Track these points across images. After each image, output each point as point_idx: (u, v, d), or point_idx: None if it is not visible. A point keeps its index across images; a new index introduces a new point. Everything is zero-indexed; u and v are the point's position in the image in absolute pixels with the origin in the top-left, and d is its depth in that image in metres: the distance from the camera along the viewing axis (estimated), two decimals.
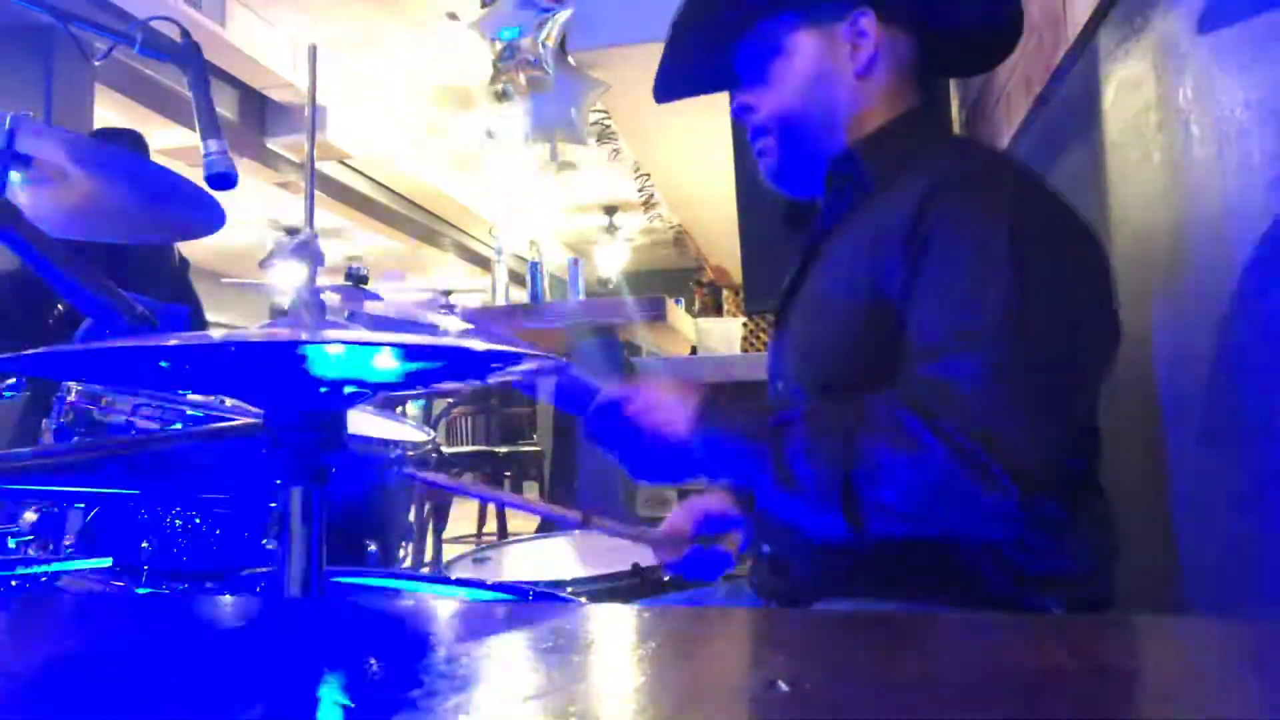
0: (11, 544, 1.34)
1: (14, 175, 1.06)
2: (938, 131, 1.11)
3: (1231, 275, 0.91)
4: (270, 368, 0.66)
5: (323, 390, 0.68)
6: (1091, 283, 0.89)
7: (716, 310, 6.13)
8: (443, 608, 0.64)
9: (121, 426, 1.39)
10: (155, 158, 2.05)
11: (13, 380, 1.62)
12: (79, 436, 1.39)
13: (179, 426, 1.37)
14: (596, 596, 1.35)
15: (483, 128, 5.29)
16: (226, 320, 8.41)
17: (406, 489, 1.61)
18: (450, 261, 9.35)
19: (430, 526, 3.61)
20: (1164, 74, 1.06)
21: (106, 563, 1.34)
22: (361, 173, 7.13)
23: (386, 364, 0.66)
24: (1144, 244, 1.15)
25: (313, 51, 0.89)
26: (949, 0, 1.03)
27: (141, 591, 1.35)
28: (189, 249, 2.90)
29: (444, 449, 3.88)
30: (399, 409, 2.37)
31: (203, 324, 2.80)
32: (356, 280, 2.17)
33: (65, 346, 0.60)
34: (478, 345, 0.62)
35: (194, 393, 1.40)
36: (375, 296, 2.24)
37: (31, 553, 1.34)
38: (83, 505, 1.34)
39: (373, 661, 0.45)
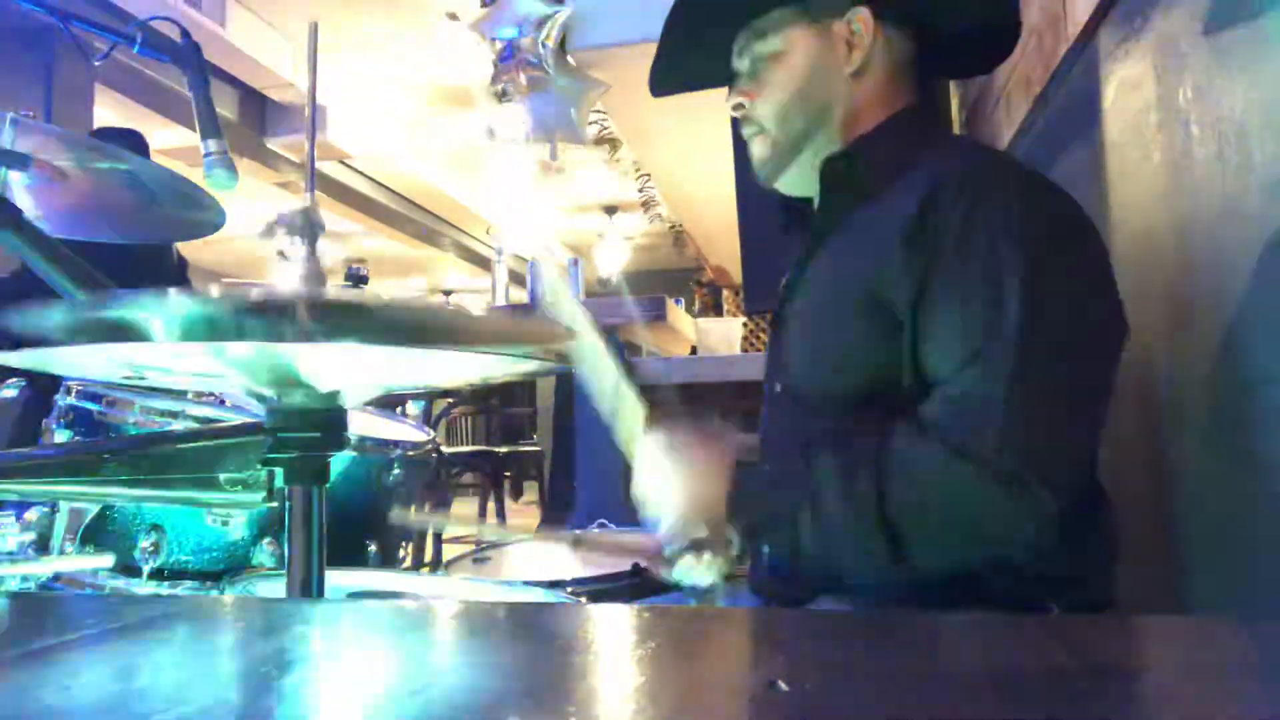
0: (12, 544, 1.34)
1: (14, 175, 1.06)
2: (935, 131, 1.10)
3: (1231, 275, 0.91)
4: (270, 368, 0.66)
5: (323, 390, 0.68)
6: (1099, 276, 0.89)
7: (716, 310, 6.13)
8: (443, 608, 0.64)
9: (121, 426, 1.39)
10: (155, 158, 2.05)
11: (13, 380, 1.62)
12: (79, 436, 1.39)
13: (179, 426, 1.37)
14: (596, 596, 1.35)
15: (483, 128, 5.28)
16: None
17: (406, 489, 1.60)
18: (450, 261, 9.35)
19: (430, 526, 3.61)
20: (1164, 74, 1.06)
21: (107, 562, 1.35)
22: (361, 173, 7.13)
23: (387, 363, 0.66)
24: (1144, 244, 1.15)
25: (313, 29, 0.88)
26: (946, 0, 1.03)
27: (142, 591, 1.35)
28: (189, 249, 2.89)
29: (444, 449, 3.88)
30: (399, 409, 2.37)
31: None
32: (356, 280, 2.17)
33: (66, 346, 0.60)
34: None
35: (193, 391, 1.40)
36: None
37: (31, 553, 1.34)
38: (83, 505, 1.34)
39: (373, 661, 0.45)
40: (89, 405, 1.41)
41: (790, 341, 1.05)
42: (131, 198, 1.25)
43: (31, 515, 1.35)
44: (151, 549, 1.35)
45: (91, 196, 1.20)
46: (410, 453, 1.62)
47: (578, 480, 2.92)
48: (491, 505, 4.40)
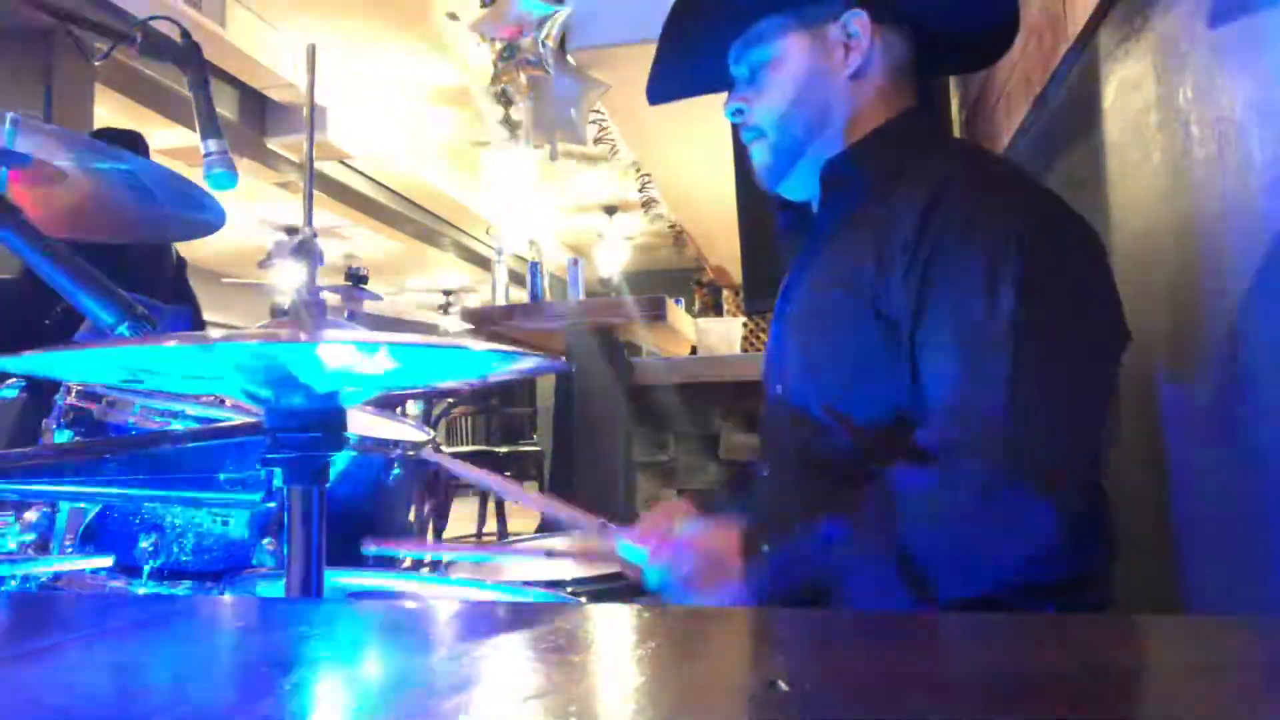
0: (12, 544, 1.34)
1: (14, 175, 1.06)
2: (935, 133, 1.11)
3: (1231, 275, 0.91)
4: (270, 367, 0.66)
5: (323, 390, 0.68)
6: (1100, 283, 0.90)
7: (716, 310, 6.12)
8: (443, 608, 0.64)
9: (121, 426, 1.39)
10: (155, 158, 2.05)
11: (13, 380, 1.62)
12: (79, 436, 1.39)
13: (179, 426, 1.37)
14: (596, 596, 1.35)
15: (483, 127, 5.29)
16: (226, 320, 8.40)
17: (406, 489, 1.60)
18: (450, 261, 9.35)
19: (430, 526, 3.61)
20: (1164, 74, 1.06)
21: (107, 562, 1.35)
22: (361, 173, 7.13)
23: (386, 364, 0.66)
24: (1144, 244, 1.15)
25: (311, 51, 0.89)
26: (944, 0, 1.03)
27: (141, 591, 1.35)
28: (189, 249, 2.89)
29: (444, 449, 3.88)
30: (399, 409, 2.37)
31: (201, 324, 2.80)
32: (356, 280, 2.17)
33: (65, 346, 0.60)
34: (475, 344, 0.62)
35: (194, 393, 1.40)
36: (375, 296, 2.25)
37: (32, 553, 1.34)
38: (83, 505, 1.34)
39: (373, 661, 0.45)
40: (88, 405, 1.41)
41: (791, 346, 1.05)
42: (131, 198, 1.25)
43: (31, 515, 1.35)
44: (151, 549, 1.35)
45: (91, 196, 1.20)
46: (410, 453, 1.62)
47: (578, 480, 2.92)
48: (491, 505, 4.40)
